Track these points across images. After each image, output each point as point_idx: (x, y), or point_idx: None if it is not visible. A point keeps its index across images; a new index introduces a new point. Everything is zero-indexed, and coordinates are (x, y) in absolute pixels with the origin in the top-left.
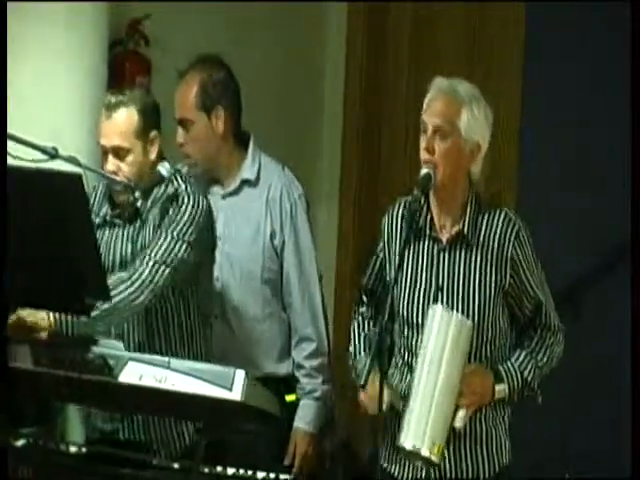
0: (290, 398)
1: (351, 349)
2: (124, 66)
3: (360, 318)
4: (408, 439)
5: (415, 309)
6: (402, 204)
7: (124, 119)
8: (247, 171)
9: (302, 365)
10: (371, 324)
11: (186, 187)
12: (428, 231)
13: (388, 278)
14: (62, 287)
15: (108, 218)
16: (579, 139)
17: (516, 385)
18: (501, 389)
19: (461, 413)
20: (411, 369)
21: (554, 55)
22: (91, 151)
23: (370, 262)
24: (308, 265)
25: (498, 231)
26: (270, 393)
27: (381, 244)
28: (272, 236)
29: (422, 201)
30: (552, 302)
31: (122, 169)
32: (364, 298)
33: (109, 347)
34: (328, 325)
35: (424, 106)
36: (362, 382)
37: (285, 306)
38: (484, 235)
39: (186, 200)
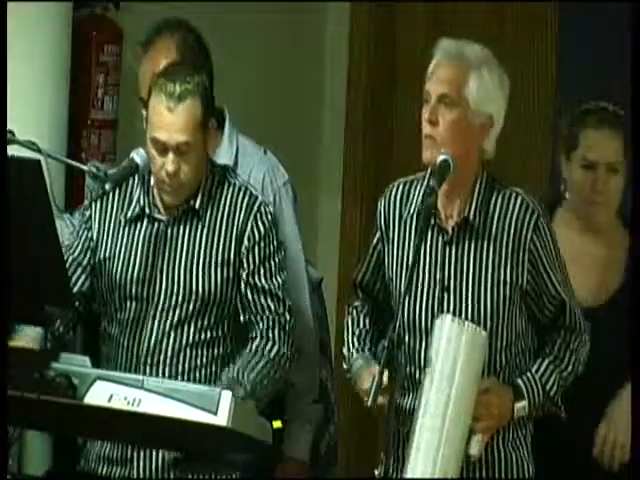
0: (277, 424)
1: (344, 350)
2: (90, 33)
3: (354, 312)
4: (417, 471)
5: (417, 313)
6: (400, 186)
7: (191, 111)
8: (223, 156)
9: (292, 383)
10: (367, 320)
11: (260, 196)
12: (432, 220)
13: (387, 275)
14: (19, 292)
15: (148, 211)
16: None
17: (537, 400)
18: (521, 407)
19: (477, 439)
20: (413, 383)
21: None
22: (53, 136)
23: (366, 254)
24: (294, 264)
25: (513, 219)
26: (260, 417)
27: (378, 234)
28: None
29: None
30: (575, 299)
31: (183, 169)
32: (359, 292)
33: (73, 363)
34: (329, 336)
35: (428, 72)
36: (370, 403)
37: None
38: (497, 224)
39: (270, 216)
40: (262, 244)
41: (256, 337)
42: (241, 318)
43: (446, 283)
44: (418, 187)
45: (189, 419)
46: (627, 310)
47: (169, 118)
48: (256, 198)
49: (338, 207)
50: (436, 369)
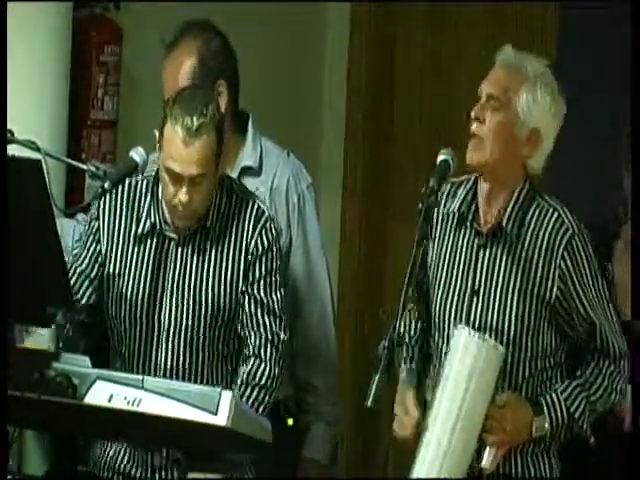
0: (290, 422)
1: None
2: (90, 33)
3: (408, 316)
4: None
5: (447, 315)
6: (448, 186)
7: (207, 145)
8: (247, 157)
9: (314, 385)
10: (418, 325)
11: (267, 211)
12: (470, 221)
13: (429, 272)
14: (19, 292)
15: (159, 228)
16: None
17: (560, 421)
18: (540, 425)
19: (489, 452)
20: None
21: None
22: (53, 136)
23: (416, 252)
24: (320, 270)
25: (547, 234)
26: (262, 418)
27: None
28: None
29: (439, 193)
30: (614, 324)
31: (196, 198)
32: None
33: (73, 363)
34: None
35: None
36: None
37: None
38: (530, 236)
39: (275, 232)
40: (264, 258)
41: (249, 357)
42: (240, 332)
43: (477, 286)
44: (463, 188)
45: (189, 419)
46: None
47: (185, 151)
48: (263, 212)
49: (338, 207)
50: (449, 380)
